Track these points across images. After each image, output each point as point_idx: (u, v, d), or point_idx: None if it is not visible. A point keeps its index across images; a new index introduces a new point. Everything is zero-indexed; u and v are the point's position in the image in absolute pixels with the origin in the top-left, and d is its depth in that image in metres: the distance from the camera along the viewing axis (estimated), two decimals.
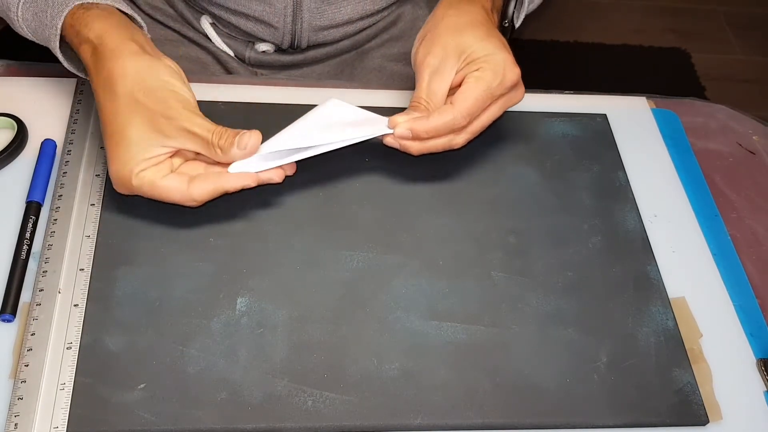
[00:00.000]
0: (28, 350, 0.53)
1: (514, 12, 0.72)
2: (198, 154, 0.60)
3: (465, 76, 0.64)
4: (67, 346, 0.54)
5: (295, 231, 0.62)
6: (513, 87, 0.66)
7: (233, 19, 0.80)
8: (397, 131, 0.64)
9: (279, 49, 0.83)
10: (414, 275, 0.61)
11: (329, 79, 0.86)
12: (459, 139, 0.65)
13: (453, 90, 0.65)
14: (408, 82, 0.71)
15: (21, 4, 0.63)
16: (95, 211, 0.61)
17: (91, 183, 0.63)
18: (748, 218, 0.70)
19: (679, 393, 0.57)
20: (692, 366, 0.58)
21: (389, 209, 0.65)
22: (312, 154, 0.63)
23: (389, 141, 0.65)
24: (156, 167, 0.58)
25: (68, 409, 0.51)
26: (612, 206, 0.67)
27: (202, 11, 0.82)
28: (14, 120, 0.66)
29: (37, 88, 0.69)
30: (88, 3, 0.61)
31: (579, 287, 0.62)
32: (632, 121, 0.75)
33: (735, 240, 0.68)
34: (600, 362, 0.58)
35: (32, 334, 0.54)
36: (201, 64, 0.85)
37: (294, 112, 0.65)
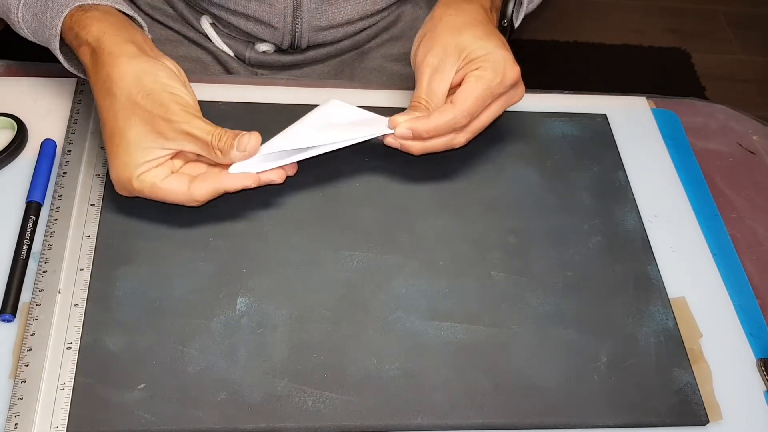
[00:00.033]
0: (28, 350, 0.53)
1: (513, 11, 0.72)
2: (199, 155, 0.60)
3: (465, 75, 0.64)
4: (67, 346, 0.54)
5: (295, 231, 0.62)
6: (513, 85, 0.66)
7: (233, 20, 0.80)
8: (397, 131, 0.64)
9: (279, 50, 0.83)
10: (414, 275, 0.61)
11: (329, 79, 0.86)
12: (460, 138, 0.65)
13: (453, 89, 0.65)
14: (408, 82, 0.71)
15: (21, 5, 0.63)
16: (95, 211, 0.61)
17: (91, 183, 0.63)
18: (748, 218, 0.70)
19: (679, 393, 0.57)
20: (692, 366, 0.58)
21: (389, 209, 0.65)
22: (312, 155, 0.63)
23: (390, 141, 0.65)
24: (157, 169, 0.58)
25: (68, 409, 0.51)
26: (612, 206, 0.67)
27: (202, 11, 0.82)
28: (14, 120, 0.66)
29: (37, 88, 0.69)
30: (86, 4, 0.61)
31: (579, 287, 0.62)
32: (632, 121, 0.75)
33: (735, 240, 0.68)
34: (600, 362, 0.58)
35: (32, 334, 0.54)
36: (201, 64, 0.85)
37: (294, 112, 0.65)
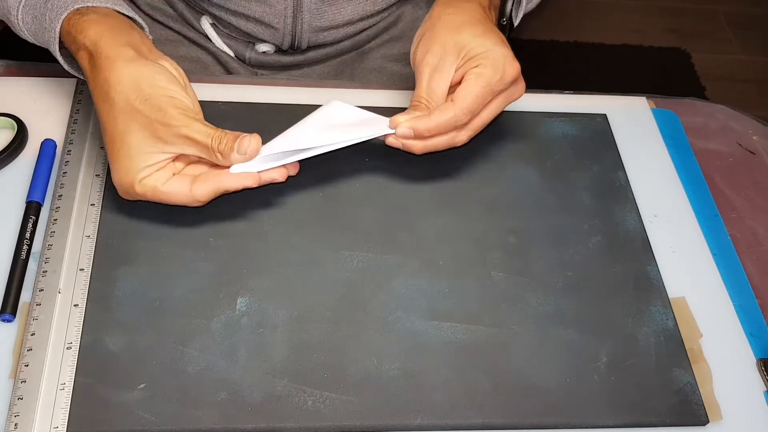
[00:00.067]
0: (28, 350, 0.53)
1: (512, 9, 0.72)
2: (201, 157, 0.60)
3: (465, 73, 0.64)
4: (67, 346, 0.54)
5: (295, 231, 0.62)
6: (513, 82, 0.65)
7: (233, 20, 0.80)
8: (399, 131, 0.64)
9: (279, 50, 0.83)
10: (414, 275, 0.61)
11: (329, 80, 0.86)
12: (461, 136, 0.65)
13: (453, 88, 0.65)
14: (408, 82, 0.71)
15: (21, 8, 0.63)
16: (95, 211, 0.61)
17: (91, 183, 0.63)
18: (748, 218, 0.70)
19: (679, 393, 0.57)
20: (692, 366, 0.58)
21: (389, 209, 0.65)
22: (313, 155, 0.63)
23: (391, 141, 0.65)
24: (158, 173, 0.58)
25: (68, 409, 0.51)
26: (612, 206, 0.67)
27: (203, 12, 0.82)
28: (14, 120, 0.66)
29: (37, 88, 0.69)
30: (85, 7, 0.61)
31: (579, 287, 0.62)
32: (632, 121, 0.75)
33: (735, 240, 0.68)
34: (600, 362, 0.58)
35: (32, 334, 0.54)
36: (201, 64, 0.85)
37: (294, 112, 0.66)
